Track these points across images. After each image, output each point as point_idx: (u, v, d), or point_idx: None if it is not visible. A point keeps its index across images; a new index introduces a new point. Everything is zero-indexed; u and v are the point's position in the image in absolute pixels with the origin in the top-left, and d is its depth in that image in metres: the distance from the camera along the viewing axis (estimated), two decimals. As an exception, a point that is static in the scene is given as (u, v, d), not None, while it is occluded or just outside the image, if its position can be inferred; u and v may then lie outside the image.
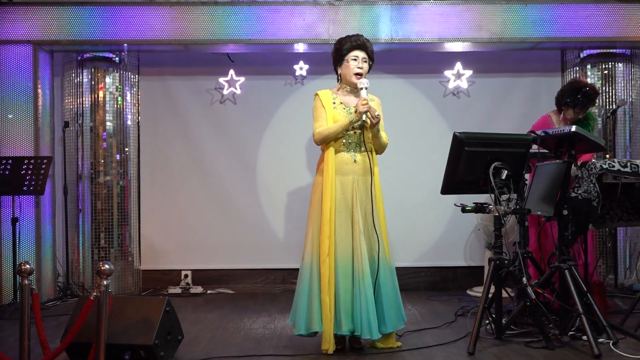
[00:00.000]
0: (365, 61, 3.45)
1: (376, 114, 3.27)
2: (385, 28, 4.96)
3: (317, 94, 3.45)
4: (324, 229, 3.26)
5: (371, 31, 4.91)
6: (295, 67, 5.43)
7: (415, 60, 5.44)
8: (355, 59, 3.43)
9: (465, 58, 5.40)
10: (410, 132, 5.43)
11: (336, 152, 3.39)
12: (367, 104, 3.29)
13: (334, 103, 3.42)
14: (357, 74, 3.42)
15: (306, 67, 5.42)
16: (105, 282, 2.73)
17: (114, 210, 5.14)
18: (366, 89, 3.37)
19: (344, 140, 3.42)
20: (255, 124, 5.47)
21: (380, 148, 3.47)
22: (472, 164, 3.30)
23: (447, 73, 5.46)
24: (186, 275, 5.35)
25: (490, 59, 5.45)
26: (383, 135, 3.47)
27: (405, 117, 5.45)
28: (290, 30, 4.95)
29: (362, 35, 3.45)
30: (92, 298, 2.74)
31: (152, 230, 5.42)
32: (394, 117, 4.88)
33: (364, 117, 3.27)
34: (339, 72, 3.52)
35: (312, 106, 3.44)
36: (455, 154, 3.32)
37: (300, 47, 5.17)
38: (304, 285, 3.29)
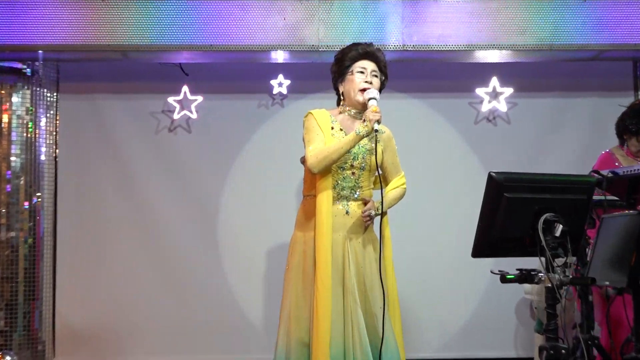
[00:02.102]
0: (376, 75, 3.56)
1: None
2: (394, 31, 5.05)
3: (310, 113, 3.56)
4: (320, 309, 3.28)
5: (376, 35, 5.01)
6: (273, 82, 5.48)
7: (436, 75, 5.52)
8: (362, 72, 3.55)
9: (504, 72, 5.50)
10: (429, 171, 5.48)
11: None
12: (378, 111, 3.39)
13: (332, 128, 3.52)
14: (363, 90, 3.51)
15: (287, 82, 5.48)
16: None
17: (20, 278, 5.08)
18: (376, 100, 3.46)
19: (336, 182, 3.48)
20: (218, 160, 5.52)
21: (397, 202, 3.63)
22: (514, 215, 3.25)
23: (480, 92, 5.53)
24: (120, 372, 5.36)
25: (537, 73, 5.54)
26: (396, 183, 3.58)
27: (422, 152, 5.49)
28: (266, 32, 5.02)
29: (372, 44, 3.62)
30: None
31: (71, 308, 5.37)
32: (408, 151, 5.04)
33: (375, 127, 3.34)
34: (340, 91, 3.61)
35: (303, 130, 3.56)
36: (491, 201, 3.28)
37: (279, 56, 5.24)
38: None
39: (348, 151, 3.42)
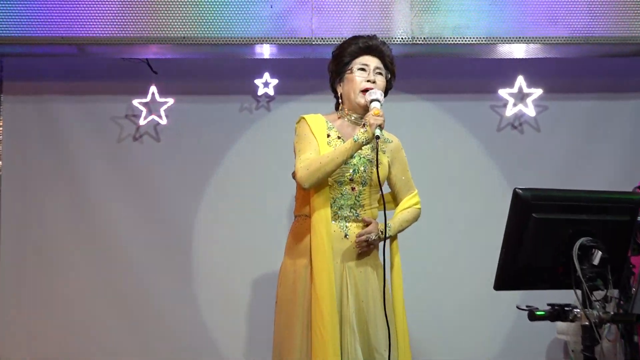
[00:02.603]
0: (380, 73, 3.59)
1: None
2: (402, 21, 5.08)
3: (302, 118, 3.60)
4: (325, 347, 3.28)
5: (380, 25, 5.04)
6: (258, 82, 5.49)
7: (451, 73, 5.55)
8: (363, 69, 3.57)
9: (532, 69, 5.50)
10: (443, 187, 5.48)
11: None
12: (381, 114, 3.39)
13: (329, 136, 3.55)
14: (364, 91, 3.52)
15: (274, 82, 5.49)
16: None
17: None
18: (380, 102, 3.46)
19: (333, 200, 3.49)
20: (192, 174, 5.52)
21: (411, 224, 3.68)
22: (544, 239, 3.24)
23: (503, 93, 5.54)
24: None
25: (572, 71, 5.58)
26: (408, 203, 3.62)
27: (435, 165, 5.50)
28: (249, 22, 5.03)
29: (376, 36, 3.65)
30: None
31: (17, 349, 5.33)
32: (418, 164, 4.94)
33: (377, 132, 3.34)
34: (338, 93, 3.64)
35: (294, 138, 3.60)
36: (516, 223, 3.27)
37: (265, 51, 5.25)
38: None
39: (345, 162, 3.42)
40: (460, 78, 5.55)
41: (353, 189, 3.50)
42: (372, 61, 3.57)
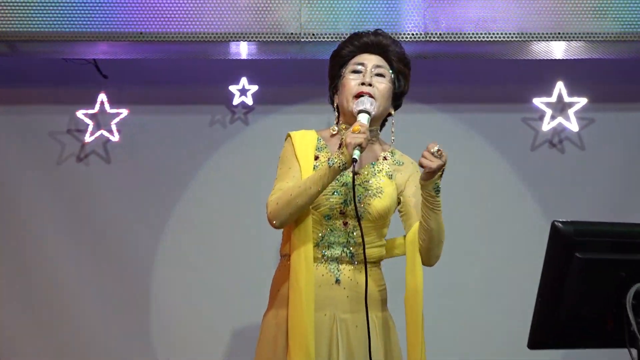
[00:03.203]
0: (381, 73, 3.54)
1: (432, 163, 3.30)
2: (413, 13, 5.06)
3: (289, 136, 3.63)
4: None
5: (385, 18, 5.04)
6: (233, 89, 5.51)
7: (474, 77, 5.60)
8: (358, 70, 3.54)
9: (574, 73, 5.53)
10: (465, 219, 5.48)
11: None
12: (362, 131, 3.30)
13: (317, 158, 3.56)
14: (357, 95, 3.48)
15: (253, 88, 5.50)
16: None
17: None
18: (368, 114, 3.40)
19: (320, 237, 3.46)
20: (150, 204, 5.56)
21: (434, 247, 3.48)
22: (590, 285, 3.19)
23: (539, 103, 5.54)
24: None
25: (624, 76, 5.60)
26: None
27: (455, 191, 5.22)
28: (222, 14, 5.03)
29: (381, 31, 3.67)
30: None
31: None
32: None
33: (355, 154, 3.25)
34: (335, 103, 3.65)
35: (278, 158, 3.64)
36: (555, 265, 3.22)
37: (242, 50, 5.28)
38: None
39: (321, 192, 3.36)
40: (485, 84, 5.59)
41: (345, 224, 3.46)
42: (370, 60, 3.55)
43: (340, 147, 3.35)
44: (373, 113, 3.42)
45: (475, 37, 5.09)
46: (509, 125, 5.62)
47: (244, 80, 5.48)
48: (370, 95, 3.46)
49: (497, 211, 5.61)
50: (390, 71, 3.58)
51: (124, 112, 5.49)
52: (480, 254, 5.56)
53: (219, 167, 5.58)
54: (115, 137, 5.50)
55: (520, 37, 5.10)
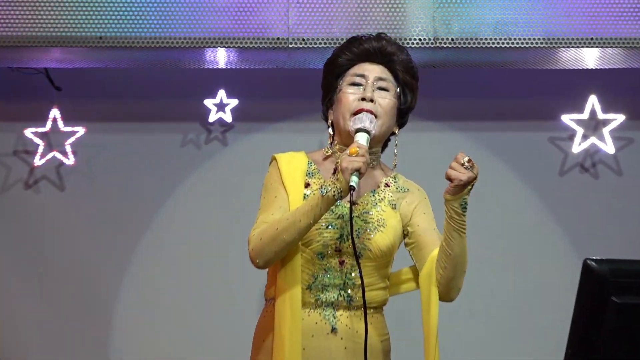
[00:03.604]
0: (385, 87, 3.48)
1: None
2: (421, 15, 5.07)
3: (274, 159, 3.57)
4: None
5: (388, 21, 5.07)
6: (209, 103, 5.54)
7: (493, 90, 5.67)
8: (357, 83, 3.49)
9: (610, 86, 5.57)
10: (484, 254, 5.40)
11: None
12: (360, 154, 3.23)
13: (307, 186, 3.50)
14: (356, 113, 3.41)
15: (233, 103, 5.54)
16: None
17: None
18: (368, 134, 3.34)
19: (313, 278, 3.40)
20: (111, 238, 5.57)
21: (457, 277, 3.41)
22: (628, 334, 3.05)
23: (568, 120, 5.59)
24: None
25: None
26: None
27: (472, 222, 5.28)
28: (196, 16, 5.05)
29: (384, 35, 3.60)
30: None
31: None
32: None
33: (353, 181, 3.20)
34: (329, 120, 3.57)
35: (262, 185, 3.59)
36: (588, 310, 3.13)
37: (220, 58, 5.35)
38: None
39: (312, 226, 3.32)
40: (505, 98, 5.65)
41: (342, 263, 3.39)
42: (371, 70, 3.48)
43: (335, 172, 3.28)
44: (374, 133, 3.35)
45: (493, 43, 5.11)
46: (534, 146, 5.66)
47: (221, 93, 5.51)
48: (371, 112, 3.40)
49: (521, 246, 5.65)
50: (395, 84, 3.53)
51: (80, 130, 5.49)
52: (501, 295, 5.61)
53: (192, 196, 5.60)
54: (69, 160, 5.50)
55: (546, 43, 5.12)
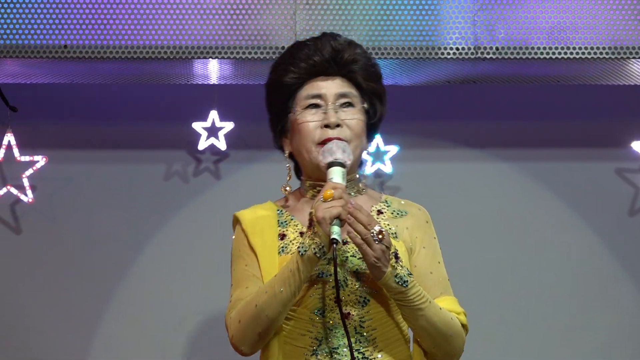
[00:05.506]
0: (349, 102, 3.36)
1: (376, 230, 3.18)
2: (456, 20, 4.90)
3: (236, 219, 3.48)
4: None
5: (416, 28, 4.86)
6: (198, 126, 5.37)
7: (544, 110, 5.50)
8: (314, 104, 3.36)
9: None
10: (538, 309, 5.44)
11: None
12: (336, 196, 3.10)
13: (284, 234, 3.41)
14: (323, 142, 3.28)
15: (228, 127, 5.37)
16: None
17: None
18: (343, 167, 3.19)
19: (313, 337, 3.26)
20: (78, 291, 5.40)
21: (445, 344, 3.30)
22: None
23: (639, 146, 5.32)
24: None
25: None
26: (447, 303, 3.35)
27: (520, 270, 5.46)
28: (183, 22, 4.84)
29: (333, 36, 3.44)
30: None
31: None
32: (492, 266, 5.26)
33: (334, 233, 3.06)
34: (286, 151, 3.47)
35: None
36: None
37: (212, 71, 5.20)
38: None
39: (296, 293, 3.18)
40: (562, 121, 5.49)
41: (348, 314, 3.19)
42: (328, 87, 3.32)
43: (310, 225, 3.15)
44: (349, 163, 3.23)
45: (546, 54, 4.88)
46: (598, 179, 5.50)
47: (213, 115, 5.34)
48: (340, 139, 3.29)
49: (582, 300, 5.50)
50: (360, 96, 3.38)
51: (40, 160, 5.32)
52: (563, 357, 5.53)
53: (177, 241, 5.47)
54: (27, 197, 5.32)
55: (612, 53, 4.87)
